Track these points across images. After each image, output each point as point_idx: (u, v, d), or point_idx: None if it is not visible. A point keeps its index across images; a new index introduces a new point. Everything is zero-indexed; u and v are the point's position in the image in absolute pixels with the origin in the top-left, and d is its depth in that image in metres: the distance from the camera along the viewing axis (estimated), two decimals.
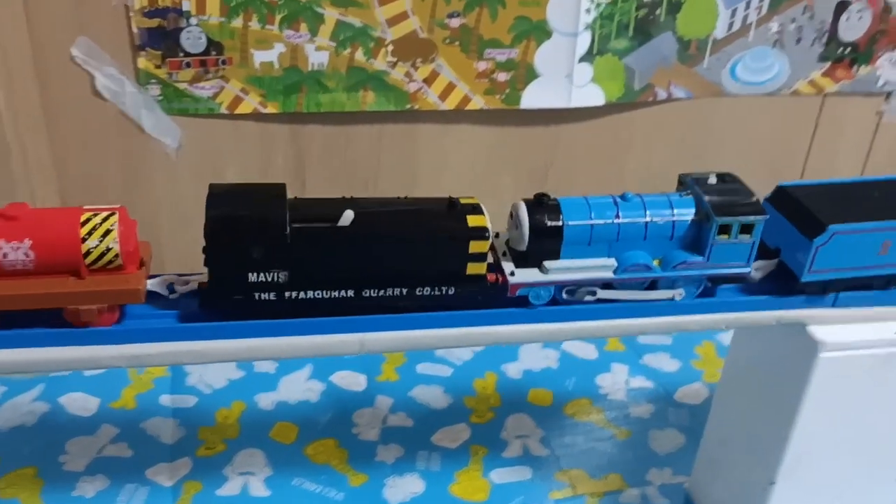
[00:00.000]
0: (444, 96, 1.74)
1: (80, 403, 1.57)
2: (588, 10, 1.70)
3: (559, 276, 0.99)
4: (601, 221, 0.99)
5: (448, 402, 1.63)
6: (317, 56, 1.66)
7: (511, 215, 1.01)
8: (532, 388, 1.67)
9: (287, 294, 0.94)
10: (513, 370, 1.72)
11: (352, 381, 1.67)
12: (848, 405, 1.11)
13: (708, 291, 1.06)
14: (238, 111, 1.68)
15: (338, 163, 1.79)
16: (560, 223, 0.98)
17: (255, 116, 1.70)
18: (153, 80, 1.62)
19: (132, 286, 0.92)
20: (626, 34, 1.76)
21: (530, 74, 1.75)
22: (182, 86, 1.63)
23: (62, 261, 0.90)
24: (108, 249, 0.90)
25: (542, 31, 1.71)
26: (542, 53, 1.73)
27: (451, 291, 0.97)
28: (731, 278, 1.04)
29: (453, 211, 0.96)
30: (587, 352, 1.78)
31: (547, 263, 0.99)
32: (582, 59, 1.75)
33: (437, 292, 0.97)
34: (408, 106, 1.74)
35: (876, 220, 1.04)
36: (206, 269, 0.94)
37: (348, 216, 0.93)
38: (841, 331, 1.07)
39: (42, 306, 0.91)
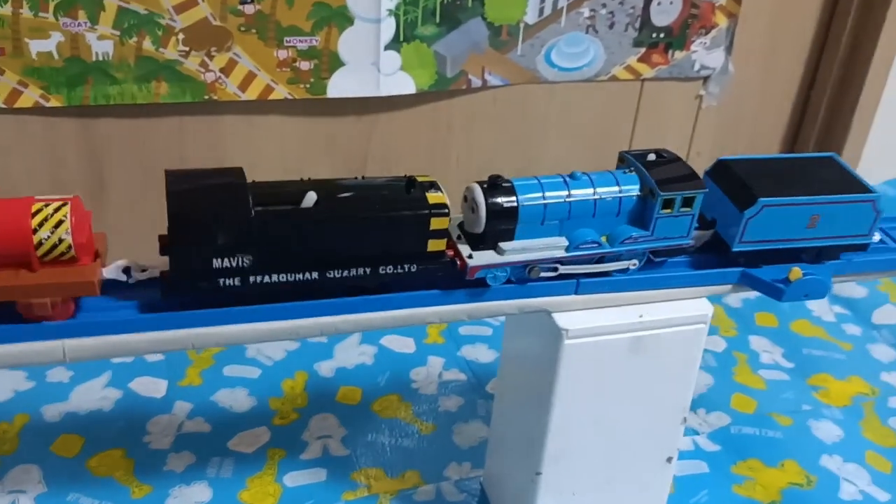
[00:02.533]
0: (244, 86, 1.67)
1: None
2: None
3: (515, 256, 1.01)
4: (553, 200, 1.01)
5: (251, 405, 1.57)
6: (100, 45, 1.56)
7: (465, 199, 1.02)
8: (343, 386, 1.63)
9: (252, 279, 0.93)
10: (325, 368, 1.67)
11: (151, 387, 1.59)
12: (600, 391, 1.09)
13: (652, 264, 1.08)
14: (18, 105, 1.57)
15: (138, 159, 1.70)
16: (515, 203, 1.00)
17: (39, 111, 1.60)
18: None
19: (86, 278, 0.89)
20: (433, 20, 1.72)
21: (335, 62, 1.70)
22: None
23: (13, 253, 0.87)
24: (61, 241, 0.87)
25: (343, 18, 1.66)
26: (345, 41, 1.68)
27: (414, 269, 0.98)
28: (673, 251, 1.07)
29: (412, 189, 0.97)
30: (405, 345, 1.74)
31: (503, 245, 1.00)
32: (388, 47, 1.71)
33: (399, 270, 0.98)
34: (205, 97, 1.66)
35: (805, 194, 1.07)
36: (161, 260, 0.93)
37: (311, 198, 0.93)
38: (586, 317, 1.05)
39: None
